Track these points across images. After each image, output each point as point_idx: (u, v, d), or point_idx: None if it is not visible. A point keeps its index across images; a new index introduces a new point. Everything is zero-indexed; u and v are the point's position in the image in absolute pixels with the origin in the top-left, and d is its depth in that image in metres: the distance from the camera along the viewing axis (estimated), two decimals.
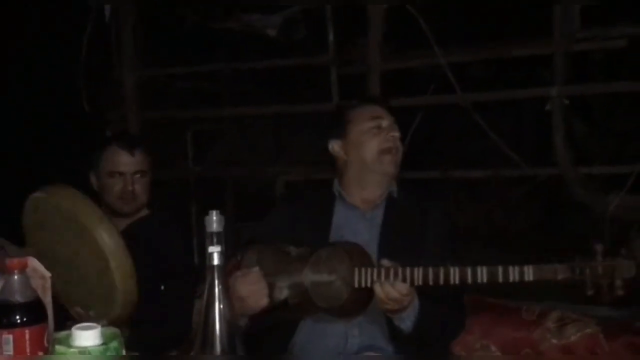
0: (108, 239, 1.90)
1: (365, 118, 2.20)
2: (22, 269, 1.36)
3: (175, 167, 5.38)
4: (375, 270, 1.89)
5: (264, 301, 1.94)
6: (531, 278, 1.76)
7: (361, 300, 1.94)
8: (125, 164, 2.49)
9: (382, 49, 4.05)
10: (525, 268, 1.76)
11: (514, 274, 1.76)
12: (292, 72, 5.16)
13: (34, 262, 1.55)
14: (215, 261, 1.33)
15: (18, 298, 1.33)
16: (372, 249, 2.05)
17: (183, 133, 5.66)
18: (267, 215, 2.33)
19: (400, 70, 4.20)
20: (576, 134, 5.02)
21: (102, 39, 4.57)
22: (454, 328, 2.13)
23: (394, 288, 1.84)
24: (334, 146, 2.24)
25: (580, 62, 4.32)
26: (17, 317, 1.32)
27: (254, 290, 1.93)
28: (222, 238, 1.33)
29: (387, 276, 1.86)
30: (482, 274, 1.79)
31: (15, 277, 1.35)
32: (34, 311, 1.35)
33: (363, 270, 1.91)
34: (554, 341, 2.17)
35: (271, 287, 1.98)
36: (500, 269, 1.77)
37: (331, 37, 4.34)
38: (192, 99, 5.70)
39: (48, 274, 1.57)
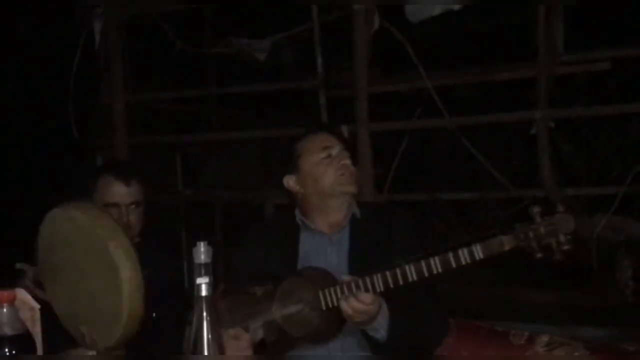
0: (121, 250, 1.89)
1: (316, 149, 2.19)
2: (11, 302, 1.36)
3: (164, 191, 5.38)
4: (338, 288, 1.91)
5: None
6: (481, 255, 1.79)
7: (334, 321, 1.96)
8: (121, 195, 2.44)
9: (370, 72, 4.07)
10: (474, 247, 1.79)
11: (464, 256, 1.79)
12: (281, 96, 5.19)
13: (22, 294, 1.55)
14: (203, 292, 1.33)
15: (7, 331, 1.33)
16: (343, 271, 2.05)
17: (172, 157, 5.68)
18: (238, 252, 2.34)
19: (387, 93, 4.23)
20: (562, 155, 5.07)
21: (91, 65, 4.58)
22: (433, 333, 2.10)
23: (357, 300, 1.85)
24: (289, 182, 2.24)
25: (565, 85, 4.38)
26: (6, 349, 1.32)
27: (241, 356, 1.95)
28: (210, 269, 1.34)
29: (349, 290, 1.88)
30: (436, 264, 1.82)
31: (4, 309, 1.34)
32: (23, 343, 1.35)
33: (327, 291, 1.93)
34: None
35: (246, 331, 1.99)
36: (451, 255, 1.80)
37: (319, 61, 4.37)
38: (181, 123, 5.73)
39: (37, 305, 1.57)
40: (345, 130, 3.98)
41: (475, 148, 3.97)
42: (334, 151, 2.19)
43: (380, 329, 1.94)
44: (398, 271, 1.85)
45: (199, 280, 1.33)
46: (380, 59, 4.25)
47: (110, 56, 4.53)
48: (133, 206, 2.46)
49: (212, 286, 1.33)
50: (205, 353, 1.32)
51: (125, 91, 4.52)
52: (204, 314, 1.33)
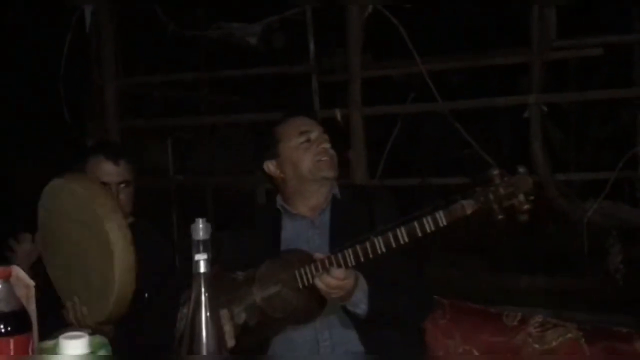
0: (117, 230, 1.90)
1: (294, 134, 2.19)
2: (6, 278, 1.35)
3: (156, 176, 5.37)
4: (313, 266, 1.93)
5: (231, 342, 1.96)
6: (444, 222, 1.80)
7: (314, 300, 1.97)
8: (110, 174, 2.47)
9: (363, 57, 4.07)
10: (437, 214, 1.80)
11: (428, 223, 1.80)
12: (273, 80, 5.18)
13: (17, 271, 1.54)
14: (202, 269, 1.33)
15: (2, 307, 1.32)
16: (325, 252, 2.06)
17: (163, 141, 5.66)
18: (224, 239, 2.35)
19: (381, 78, 4.23)
20: (553, 141, 5.09)
21: (82, 48, 4.55)
22: (415, 308, 2.10)
23: (330, 276, 1.86)
24: (269, 166, 2.25)
25: (558, 70, 4.39)
26: (1, 326, 1.31)
27: None
28: (209, 246, 1.33)
29: (323, 267, 1.89)
30: (402, 234, 1.83)
31: (0, 286, 1.34)
32: (18, 320, 1.34)
33: (302, 270, 1.95)
34: (536, 346, 2.19)
35: (229, 316, 2.01)
36: (416, 223, 1.81)
37: (312, 45, 4.36)
38: (172, 107, 5.71)
39: (32, 283, 1.57)
40: (338, 114, 3.98)
41: (467, 133, 3.97)
42: (313, 135, 2.19)
43: (360, 304, 1.94)
44: (367, 244, 1.86)
45: (197, 257, 1.32)
46: (372, 43, 4.24)
47: (102, 40, 4.49)
48: (123, 185, 2.48)
49: (210, 263, 1.33)
50: (204, 330, 1.32)
51: (116, 75, 4.49)
52: (202, 289, 1.33)
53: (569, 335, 2.16)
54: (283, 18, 4.66)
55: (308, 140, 2.18)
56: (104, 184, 2.44)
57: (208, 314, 1.32)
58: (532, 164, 3.73)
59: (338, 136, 4.07)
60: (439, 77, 4.08)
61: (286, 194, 2.24)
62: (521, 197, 1.77)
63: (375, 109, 4.10)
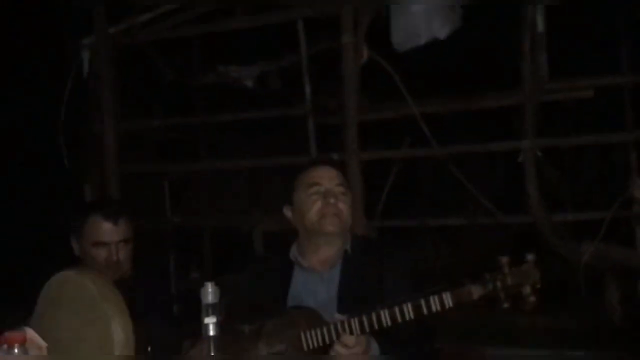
0: (122, 332, 1.92)
1: (306, 184, 2.25)
2: (22, 343, 1.39)
3: (153, 218, 5.38)
4: (319, 330, 1.97)
5: None
6: (451, 304, 1.86)
7: None
8: (110, 233, 2.47)
9: (359, 100, 4.12)
10: (444, 295, 1.86)
11: (435, 304, 1.86)
12: (270, 122, 5.24)
13: (30, 333, 1.57)
14: (211, 332, 1.37)
15: None
16: (332, 309, 2.10)
17: (160, 183, 5.68)
18: (231, 284, 2.37)
19: (377, 122, 4.29)
20: (549, 180, 5.14)
21: (81, 94, 4.60)
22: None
23: (341, 344, 1.91)
24: (287, 212, 2.30)
25: (551, 111, 4.45)
26: None
27: None
28: (217, 309, 1.37)
29: (328, 333, 1.95)
30: (409, 310, 1.89)
31: (16, 350, 1.37)
32: None
33: (308, 333, 1.99)
34: None
35: None
36: (423, 302, 1.87)
37: (307, 88, 4.42)
38: (170, 150, 5.75)
39: (44, 344, 1.59)
40: (335, 158, 4.02)
41: (463, 174, 4.02)
42: (323, 188, 2.22)
43: None
44: (374, 316, 1.92)
45: (206, 320, 1.37)
46: (368, 86, 4.30)
47: (100, 85, 4.55)
48: (122, 243, 2.50)
49: (219, 327, 1.37)
50: None
51: (115, 121, 4.54)
52: (212, 353, 1.37)
53: None
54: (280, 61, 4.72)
55: (317, 193, 2.21)
56: (104, 243, 2.46)
57: None
58: (528, 205, 3.78)
59: None
60: (436, 118, 4.14)
61: (300, 244, 2.27)
62: (527, 288, 1.82)
63: (371, 153, 4.15)
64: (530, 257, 1.86)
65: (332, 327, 1.95)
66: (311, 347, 1.98)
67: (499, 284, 1.84)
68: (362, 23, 4.02)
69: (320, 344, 1.97)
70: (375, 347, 1.98)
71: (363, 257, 2.24)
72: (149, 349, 2.44)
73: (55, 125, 4.45)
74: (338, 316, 1.96)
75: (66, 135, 4.48)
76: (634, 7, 4.33)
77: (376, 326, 1.91)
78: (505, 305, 1.84)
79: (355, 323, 1.93)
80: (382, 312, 1.91)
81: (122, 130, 4.65)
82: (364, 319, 1.92)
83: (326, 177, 2.26)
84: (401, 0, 3.95)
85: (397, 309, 1.90)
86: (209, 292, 1.37)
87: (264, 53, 5.05)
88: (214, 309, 1.36)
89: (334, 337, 1.94)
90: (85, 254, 2.51)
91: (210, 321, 1.35)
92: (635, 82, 4.27)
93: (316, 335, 1.98)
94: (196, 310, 1.60)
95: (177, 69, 4.77)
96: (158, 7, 4.55)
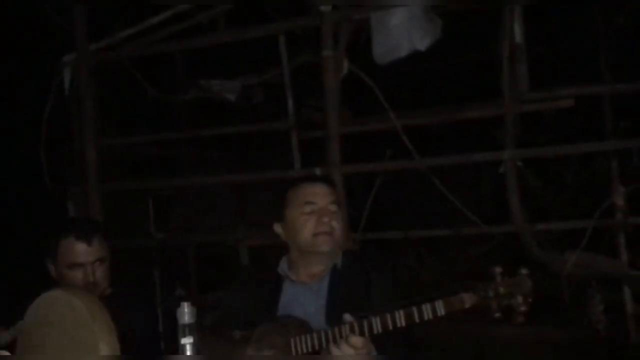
0: (109, 352, 1.91)
1: (299, 202, 2.24)
2: None
3: (137, 235, 5.36)
4: (309, 337, 2.00)
5: None
6: (443, 312, 1.86)
7: None
8: (84, 254, 2.45)
9: (341, 114, 4.12)
10: (437, 304, 1.86)
11: (427, 312, 1.87)
12: (253, 136, 5.23)
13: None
14: (188, 352, 1.36)
15: None
16: (320, 321, 2.12)
17: (143, 200, 5.65)
18: (223, 297, 2.39)
19: (360, 134, 4.29)
20: (532, 190, 5.16)
21: (62, 112, 4.58)
22: None
23: (348, 344, 1.92)
24: (278, 228, 2.30)
25: (532, 121, 4.48)
26: None
27: None
28: (195, 329, 1.36)
29: (318, 339, 1.97)
30: (401, 318, 1.89)
31: None
32: None
33: (297, 338, 2.01)
34: None
35: None
36: (415, 310, 1.87)
37: (290, 102, 4.42)
38: (152, 166, 5.73)
39: None
40: (318, 172, 4.02)
41: (445, 186, 4.02)
42: (317, 206, 2.22)
43: None
44: (365, 323, 1.93)
45: (183, 341, 1.35)
46: (350, 99, 4.31)
47: (82, 103, 4.53)
48: (97, 263, 2.47)
49: (196, 347, 1.36)
50: None
51: (97, 137, 4.51)
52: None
53: None
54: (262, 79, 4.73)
55: (311, 212, 2.21)
56: (79, 264, 2.44)
57: None
58: (510, 217, 3.78)
59: None
60: (418, 130, 4.15)
61: (291, 259, 2.28)
62: (519, 298, 1.83)
63: (354, 166, 4.15)
64: (524, 270, 1.87)
65: (322, 333, 1.96)
66: (299, 352, 2.00)
67: (491, 293, 1.84)
68: (342, 36, 4.03)
69: (310, 350, 1.99)
70: (374, 353, 1.98)
71: (351, 269, 2.25)
72: None
73: (36, 143, 4.42)
74: (347, 317, 1.96)
75: (48, 152, 4.45)
76: (614, 16, 4.38)
77: (367, 333, 1.92)
78: (497, 314, 1.84)
79: (346, 329, 1.93)
80: (373, 320, 1.92)
81: (104, 147, 4.63)
82: (355, 325, 1.93)
83: (320, 195, 2.25)
84: (381, 13, 3.95)
85: (389, 317, 1.91)
86: (185, 312, 1.35)
87: (247, 68, 5.06)
88: (190, 329, 1.35)
89: (324, 344, 1.95)
90: (61, 276, 2.48)
91: (186, 342, 1.34)
92: (615, 91, 4.30)
93: (305, 341, 2.00)
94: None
95: (159, 85, 4.76)
96: (139, 23, 4.54)
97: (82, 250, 2.44)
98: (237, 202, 6.18)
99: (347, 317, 1.97)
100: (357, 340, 1.91)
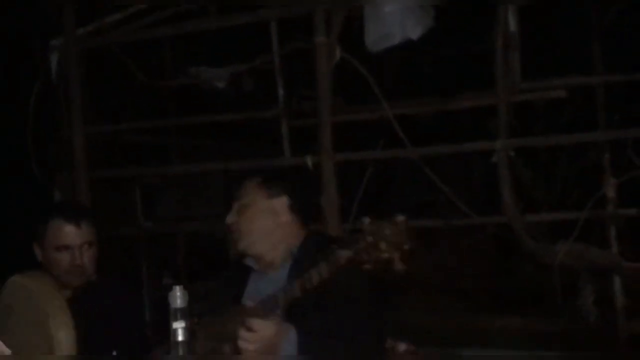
0: (62, 331, 1.90)
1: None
2: None
3: (124, 224, 5.31)
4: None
5: None
6: (326, 274, 1.88)
7: None
8: (72, 237, 2.43)
9: (332, 102, 4.09)
10: (320, 266, 1.89)
11: (315, 276, 1.90)
12: (243, 124, 5.19)
13: None
14: (180, 337, 1.32)
15: None
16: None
17: (132, 188, 5.60)
18: (211, 288, 2.42)
19: (351, 123, 4.26)
20: (523, 181, 5.16)
21: (49, 99, 4.52)
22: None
23: (246, 328, 1.90)
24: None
25: (525, 112, 4.46)
26: None
27: None
28: (187, 313, 1.32)
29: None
30: (295, 289, 1.93)
31: None
32: None
33: (226, 328, 2.01)
34: None
35: None
36: (305, 278, 1.92)
37: (281, 90, 4.38)
38: (140, 153, 5.67)
39: (8, 351, 1.55)
40: (309, 161, 3.99)
41: (438, 175, 4.00)
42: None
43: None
44: (265, 304, 1.97)
45: (175, 325, 1.32)
46: (342, 87, 4.28)
47: (69, 89, 4.46)
48: (85, 246, 2.46)
49: (188, 331, 1.32)
50: None
51: (84, 124, 4.45)
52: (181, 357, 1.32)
53: None
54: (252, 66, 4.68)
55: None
56: (66, 247, 2.41)
57: None
58: (502, 207, 3.77)
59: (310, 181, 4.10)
60: (410, 120, 4.12)
61: None
62: (382, 244, 1.79)
63: (346, 155, 4.11)
64: (400, 217, 1.84)
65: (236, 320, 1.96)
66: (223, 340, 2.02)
67: (361, 243, 1.81)
68: (334, 23, 3.99)
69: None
70: (292, 335, 1.95)
71: (307, 256, 2.22)
72: (114, 353, 2.40)
73: (23, 130, 4.36)
74: (248, 302, 1.96)
75: (34, 140, 4.39)
76: (607, 6, 4.36)
77: (282, 306, 1.94)
78: (367, 266, 1.84)
79: (262, 306, 1.96)
80: (287, 290, 1.94)
81: (92, 134, 4.57)
82: (276, 298, 1.95)
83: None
84: (374, 0, 3.92)
85: (289, 291, 1.94)
86: (177, 296, 1.32)
87: (237, 55, 5.00)
88: (182, 313, 1.31)
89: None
90: (48, 259, 2.45)
91: (178, 325, 1.30)
92: (608, 82, 4.29)
93: (225, 329, 2.01)
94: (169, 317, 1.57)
95: (148, 71, 4.70)
96: (128, 7, 4.47)
97: (70, 232, 2.43)
98: (227, 192, 6.14)
99: (248, 302, 2.01)
100: (254, 322, 1.89)
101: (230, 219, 2.29)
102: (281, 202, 2.27)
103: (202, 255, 5.37)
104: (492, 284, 5.38)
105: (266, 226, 2.25)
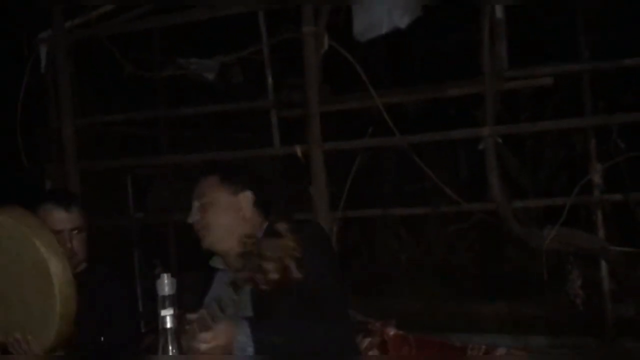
0: (47, 245, 1.93)
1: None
2: None
3: (115, 215, 5.32)
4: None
5: None
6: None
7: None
8: (62, 221, 2.46)
9: (321, 92, 4.10)
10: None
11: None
12: (233, 116, 5.19)
13: None
14: (168, 324, 1.34)
15: None
16: (248, 307, 2.15)
17: (122, 179, 5.61)
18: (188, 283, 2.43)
19: (340, 112, 4.28)
20: (510, 168, 5.19)
21: (39, 90, 4.52)
22: (316, 345, 2.02)
23: (198, 340, 1.85)
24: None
25: (511, 100, 4.49)
26: None
27: None
28: (175, 301, 1.35)
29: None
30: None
31: None
32: None
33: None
34: None
35: None
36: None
37: (270, 80, 4.39)
38: (131, 145, 5.68)
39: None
40: (298, 150, 4.01)
41: (425, 164, 4.02)
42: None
43: (246, 347, 1.91)
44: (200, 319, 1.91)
45: (163, 312, 1.34)
46: (331, 77, 4.30)
47: (58, 81, 4.46)
48: (75, 231, 2.49)
49: (176, 319, 1.34)
50: None
51: (74, 116, 4.45)
52: (169, 345, 1.34)
53: None
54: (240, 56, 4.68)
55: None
56: (57, 231, 2.44)
57: None
58: (490, 194, 3.80)
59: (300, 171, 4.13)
60: (398, 109, 4.14)
61: None
62: (269, 265, 1.99)
63: (335, 144, 4.13)
64: (282, 227, 2.01)
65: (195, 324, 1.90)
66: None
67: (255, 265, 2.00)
68: (322, 13, 4.00)
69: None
70: (244, 328, 1.92)
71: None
72: (102, 339, 2.43)
73: (12, 122, 4.36)
74: (191, 315, 1.93)
75: (24, 132, 4.39)
76: None
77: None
78: (264, 287, 1.99)
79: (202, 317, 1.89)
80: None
81: (82, 125, 4.57)
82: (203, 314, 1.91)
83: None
84: None
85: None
86: (165, 284, 1.34)
87: (225, 46, 5.00)
88: (170, 301, 1.33)
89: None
90: None
91: (166, 313, 1.32)
92: (594, 69, 4.31)
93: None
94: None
95: (137, 62, 4.70)
96: None
97: (60, 217, 2.46)
98: None
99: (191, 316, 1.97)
100: (203, 335, 1.83)
101: (192, 218, 2.31)
102: (245, 197, 2.28)
103: (193, 245, 5.38)
104: (480, 270, 5.42)
105: (231, 222, 2.26)
